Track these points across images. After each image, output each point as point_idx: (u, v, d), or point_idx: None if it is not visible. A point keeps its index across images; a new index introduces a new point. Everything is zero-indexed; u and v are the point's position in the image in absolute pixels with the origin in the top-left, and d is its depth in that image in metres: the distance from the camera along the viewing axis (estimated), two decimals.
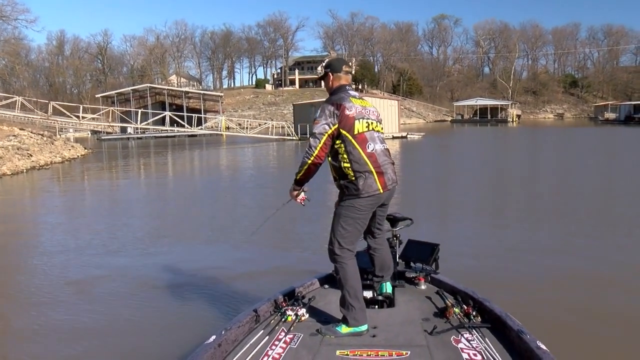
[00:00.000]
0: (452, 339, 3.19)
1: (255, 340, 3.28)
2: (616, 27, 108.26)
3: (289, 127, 44.14)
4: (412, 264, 4.47)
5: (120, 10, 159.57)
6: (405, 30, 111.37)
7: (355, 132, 3.51)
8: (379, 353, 3.06)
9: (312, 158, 3.51)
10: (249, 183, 17.24)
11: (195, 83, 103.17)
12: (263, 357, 3.06)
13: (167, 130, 45.93)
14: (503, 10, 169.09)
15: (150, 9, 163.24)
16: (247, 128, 47.17)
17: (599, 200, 12.08)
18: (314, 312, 3.71)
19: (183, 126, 45.76)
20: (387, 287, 3.95)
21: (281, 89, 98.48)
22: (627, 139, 38.14)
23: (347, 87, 3.71)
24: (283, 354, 3.09)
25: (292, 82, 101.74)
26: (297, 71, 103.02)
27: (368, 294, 3.90)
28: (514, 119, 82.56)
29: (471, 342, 3.16)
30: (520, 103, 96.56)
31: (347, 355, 3.07)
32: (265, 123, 48.44)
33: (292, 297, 3.91)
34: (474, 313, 3.50)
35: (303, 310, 3.63)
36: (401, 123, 45.21)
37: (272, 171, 21.38)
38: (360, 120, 3.55)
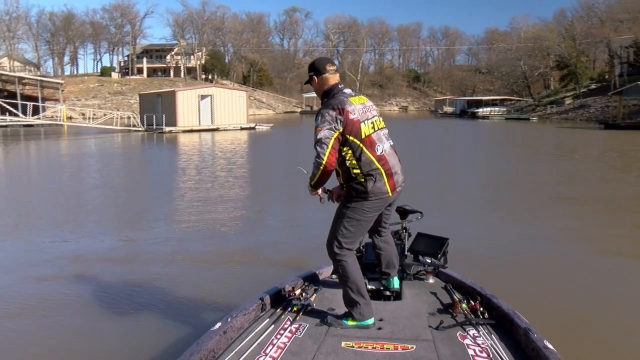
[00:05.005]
0: (458, 335, 3.18)
1: (261, 328, 3.28)
2: (452, 29, 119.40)
3: (134, 117, 42.79)
4: (420, 257, 4.39)
5: None
6: (257, 21, 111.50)
7: (363, 136, 3.37)
8: (385, 346, 3.05)
9: (322, 166, 3.34)
10: (90, 178, 16.66)
11: (32, 68, 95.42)
12: (268, 346, 3.05)
13: None
14: (352, 6, 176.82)
15: None
16: (90, 118, 44.72)
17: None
18: (320, 302, 3.69)
19: (17, 115, 42.37)
20: (395, 283, 3.89)
21: (128, 77, 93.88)
22: (462, 130, 42.26)
23: (340, 86, 3.52)
24: (288, 343, 3.08)
25: (140, 71, 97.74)
26: (145, 60, 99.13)
27: (376, 285, 3.89)
28: None
29: (477, 338, 3.14)
30: (368, 95, 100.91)
31: (353, 346, 3.05)
32: (111, 113, 46.43)
33: (298, 286, 3.85)
34: (481, 309, 3.48)
35: (309, 300, 3.62)
36: (250, 114, 45.55)
37: (117, 161, 20.73)
38: (366, 122, 3.40)
